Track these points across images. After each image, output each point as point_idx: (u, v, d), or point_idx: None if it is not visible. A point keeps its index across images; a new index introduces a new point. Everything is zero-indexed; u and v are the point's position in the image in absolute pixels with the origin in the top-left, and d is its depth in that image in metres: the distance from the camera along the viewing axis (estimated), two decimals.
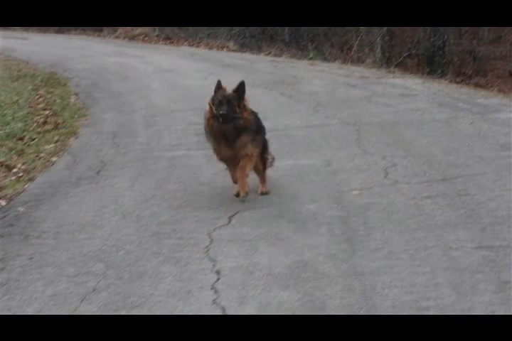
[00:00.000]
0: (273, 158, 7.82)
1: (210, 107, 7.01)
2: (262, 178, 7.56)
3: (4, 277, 5.72)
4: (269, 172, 7.75)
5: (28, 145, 10.24)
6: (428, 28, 20.60)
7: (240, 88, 7.07)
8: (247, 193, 7.09)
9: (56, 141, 10.43)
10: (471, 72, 20.11)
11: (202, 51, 22.28)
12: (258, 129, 7.30)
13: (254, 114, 7.30)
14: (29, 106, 12.92)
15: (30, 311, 5.11)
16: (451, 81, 16.76)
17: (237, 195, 7.13)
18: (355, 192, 7.45)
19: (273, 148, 9.09)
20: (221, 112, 6.86)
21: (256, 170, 7.45)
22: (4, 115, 11.81)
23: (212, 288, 5.33)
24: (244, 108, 7.05)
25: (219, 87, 7.07)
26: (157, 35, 24.57)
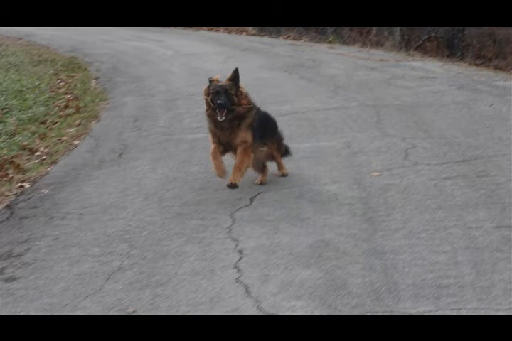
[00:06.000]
0: (286, 149, 7.79)
1: (206, 99, 6.96)
2: (280, 165, 7.62)
3: (31, 257, 5.84)
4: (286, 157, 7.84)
5: (50, 128, 10.37)
6: None
7: (236, 76, 6.97)
8: (235, 185, 6.87)
9: (78, 125, 10.54)
10: (491, 54, 19.97)
11: (221, 35, 22.29)
12: (266, 125, 7.27)
13: (264, 113, 7.33)
14: (50, 91, 13.03)
15: (56, 289, 5.22)
16: (470, 64, 16.68)
17: (230, 184, 6.90)
18: (375, 174, 7.50)
19: (293, 130, 9.20)
20: (218, 102, 6.77)
21: (274, 160, 7.55)
22: (26, 99, 11.93)
23: (235, 267, 5.41)
24: (242, 95, 6.99)
25: (211, 80, 7.02)
26: None
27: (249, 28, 23.00)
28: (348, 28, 20.68)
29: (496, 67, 16.85)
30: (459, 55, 18.93)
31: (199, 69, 14.91)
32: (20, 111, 11.08)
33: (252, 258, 5.57)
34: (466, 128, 9.31)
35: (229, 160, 7.22)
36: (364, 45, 19.15)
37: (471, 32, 20.09)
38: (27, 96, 12.19)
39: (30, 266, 5.65)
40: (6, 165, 8.29)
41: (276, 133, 7.53)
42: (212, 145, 7.10)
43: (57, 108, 11.62)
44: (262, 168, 7.40)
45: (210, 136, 7.16)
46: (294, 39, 20.78)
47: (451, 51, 19.37)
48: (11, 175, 8.02)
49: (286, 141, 7.74)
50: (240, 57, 16.70)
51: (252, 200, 6.91)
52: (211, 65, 15.47)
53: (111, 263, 5.62)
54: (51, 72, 15.11)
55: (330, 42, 19.95)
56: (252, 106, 7.06)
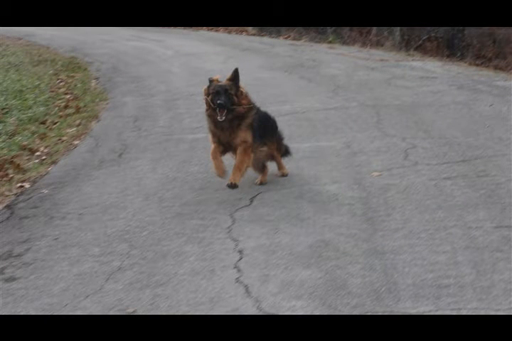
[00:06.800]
0: (286, 149, 7.79)
1: (206, 99, 6.96)
2: (280, 165, 7.62)
3: (31, 257, 5.84)
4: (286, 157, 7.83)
5: (50, 128, 10.36)
6: None
7: (236, 76, 6.97)
8: (235, 185, 6.86)
9: (78, 125, 10.54)
10: (491, 54, 19.95)
11: (221, 35, 22.29)
12: (266, 125, 7.26)
13: (264, 113, 7.33)
14: (50, 91, 13.03)
15: (56, 289, 5.22)
16: (470, 64, 16.68)
17: (230, 184, 6.89)
18: (375, 174, 7.50)
19: (293, 130, 9.20)
20: (218, 102, 6.76)
21: (274, 160, 7.55)
22: (26, 99, 11.93)
23: (235, 267, 5.41)
24: (242, 95, 6.99)
25: (211, 80, 7.03)
26: None
27: (249, 28, 22.99)
28: (348, 28, 20.69)
29: (496, 67, 16.84)
30: (459, 55, 18.93)
31: (199, 69, 14.92)
32: (20, 111, 11.08)
33: (252, 258, 5.57)
34: (466, 128, 9.31)
35: (229, 160, 7.22)
36: (364, 45, 19.16)
37: (471, 32, 20.07)
38: (27, 96, 12.19)
39: (30, 266, 5.65)
40: (6, 165, 8.30)
41: (276, 133, 7.53)
42: (212, 145, 7.10)
43: (57, 108, 11.62)
44: (262, 168, 7.40)
45: (210, 136, 7.17)
46: (294, 39, 20.77)
47: (451, 51, 19.36)
48: (11, 175, 8.02)
49: (286, 141, 7.74)
50: (239, 57, 16.70)
51: (252, 200, 6.90)
52: (211, 64, 15.47)
53: (111, 263, 5.62)
54: (51, 72, 15.11)
55: (330, 42, 19.94)
56: (252, 106, 7.06)
